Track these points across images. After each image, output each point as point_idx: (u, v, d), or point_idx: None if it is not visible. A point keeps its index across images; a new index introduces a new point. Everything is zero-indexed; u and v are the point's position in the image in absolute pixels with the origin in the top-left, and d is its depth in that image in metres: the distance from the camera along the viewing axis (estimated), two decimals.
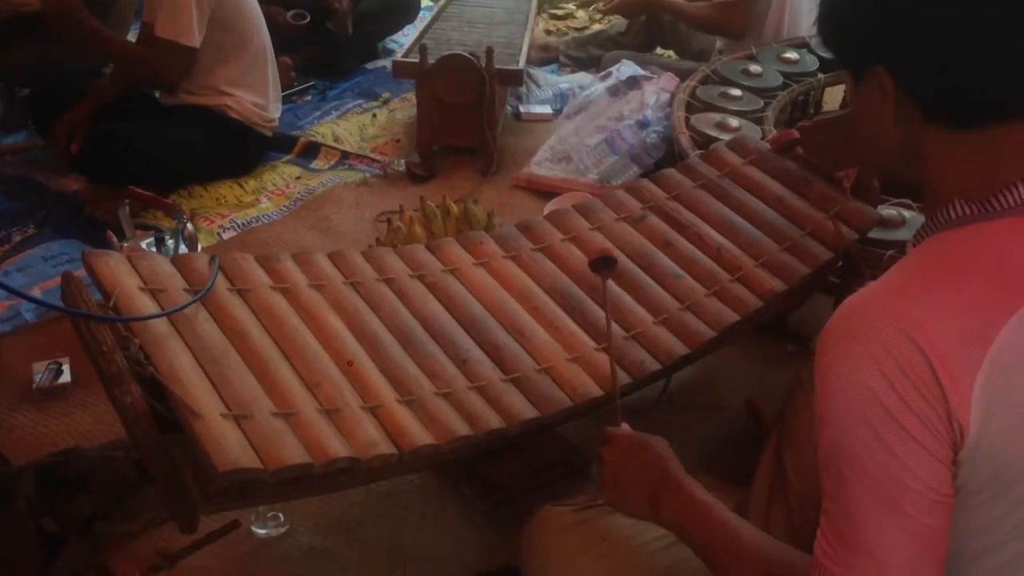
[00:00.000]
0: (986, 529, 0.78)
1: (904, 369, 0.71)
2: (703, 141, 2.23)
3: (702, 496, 0.99)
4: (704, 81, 2.60)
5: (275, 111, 2.74)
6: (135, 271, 1.21)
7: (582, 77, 3.39)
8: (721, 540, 0.95)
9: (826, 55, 2.69)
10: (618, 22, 3.61)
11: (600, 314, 1.45)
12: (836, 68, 2.68)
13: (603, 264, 1.39)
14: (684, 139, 2.28)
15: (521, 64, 2.84)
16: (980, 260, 0.76)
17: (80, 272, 1.21)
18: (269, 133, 2.73)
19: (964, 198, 0.78)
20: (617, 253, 1.56)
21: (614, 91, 2.87)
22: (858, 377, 0.73)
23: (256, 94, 2.65)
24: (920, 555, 0.74)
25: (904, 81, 0.79)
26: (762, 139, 2.14)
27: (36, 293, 2.08)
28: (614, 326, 1.43)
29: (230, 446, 1.01)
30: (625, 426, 1.14)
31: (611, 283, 1.51)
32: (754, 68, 2.60)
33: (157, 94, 2.71)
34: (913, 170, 0.84)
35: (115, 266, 1.20)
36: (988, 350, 0.71)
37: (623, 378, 1.37)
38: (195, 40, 2.44)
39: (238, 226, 2.47)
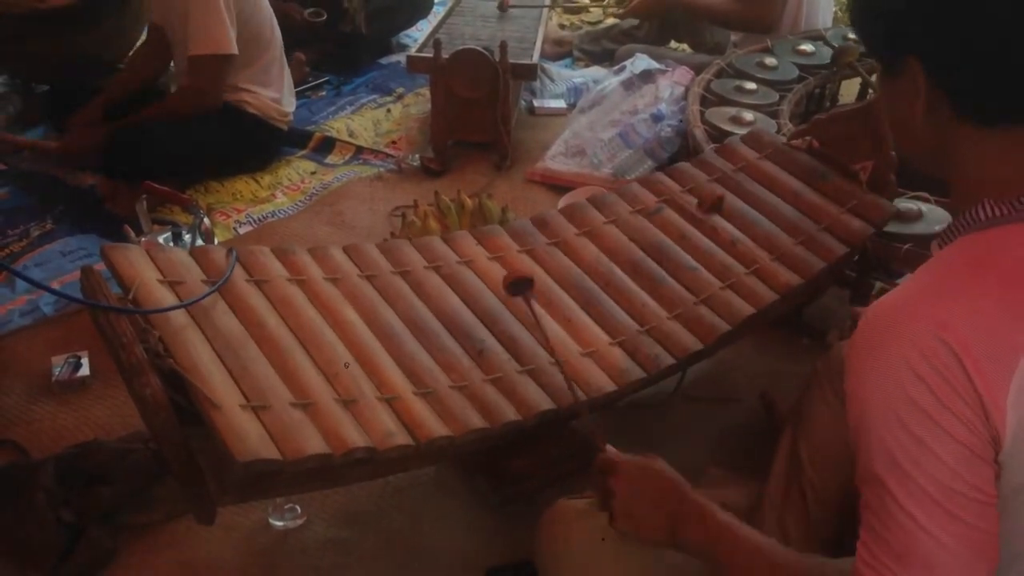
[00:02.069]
0: None
1: (939, 371, 0.70)
2: (718, 135, 2.22)
3: (724, 518, 0.97)
4: (719, 74, 2.59)
5: (290, 105, 2.75)
6: (154, 264, 1.22)
7: (596, 71, 3.38)
8: (750, 561, 0.93)
9: (843, 46, 2.68)
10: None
11: (615, 308, 1.46)
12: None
13: (520, 286, 1.32)
14: (699, 133, 2.27)
15: (535, 58, 2.84)
16: (1012, 264, 0.74)
17: (98, 266, 1.22)
18: (285, 127, 2.74)
19: (994, 198, 0.77)
20: (630, 248, 1.57)
21: (628, 85, 2.86)
22: (894, 382, 0.72)
23: (273, 89, 2.66)
24: (971, 560, 0.72)
25: (937, 75, 0.77)
26: (777, 132, 2.13)
27: (54, 288, 2.09)
28: (625, 328, 1.43)
29: (249, 437, 1.01)
30: (611, 448, 1.11)
31: (625, 278, 1.51)
32: (769, 61, 2.59)
33: (173, 88, 2.72)
34: (942, 166, 0.83)
35: (134, 259, 1.21)
36: (1021, 358, 0.70)
37: (637, 373, 1.37)
38: (233, 46, 2.44)
39: (254, 221, 2.49)
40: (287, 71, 2.75)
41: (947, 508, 0.71)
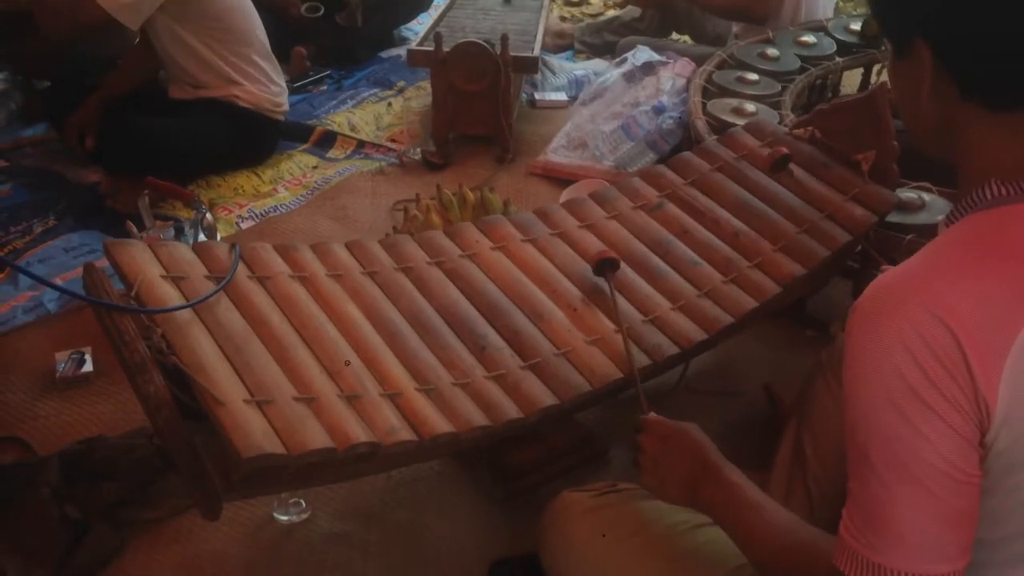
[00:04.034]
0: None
1: (933, 349, 0.71)
2: (719, 126, 2.22)
3: (736, 479, 1.01)
4: (720, 66, 2.59)
5: (282, 95, 2.74)
6: (156, 259, 1.22)
7: (597, 63, 3.37)
8: (751, 521, 0.96)
9: (843, 38, 2.68)
10: (633, 8, 3.60)
11: (619, 300, 1.45)
12: (857, 50, 2.66)
13: (606, 266, 1.44)
14: (700, 124, 2.27)
15: (536, 51, 2.83)
16: (1014, 243, 0.75)
17: (101, 263, 1.22)
18: (281, 117, 2.74)
19: (1001, 179, 0.77)
20: (632, 243, 1.57)
21: (630, 77, 2.86)
22: (886, 357, 0.73)
23: (262, 82, 2.65)
24: (943, 535, 0.74)
25: (943, 58, 0.78)
26: (779, 123, 2.12)
27: (59, 284, 2.10)
28: (628, 317, 1.43)
29: (253, 432, 1.01)
30: (653, 414, 1.15)
31: (629, 271, 1.51)
32: (771, 52, 2.58)
33: (170, 86, 2.72)
34: (949, 148, 0.83)
35: (137, 255, 1.21)
36: (1019, 333, 0.71)
37: (642, 361, 1.37)
38: (126, 18, 2.34)
39: (256, 216, 2.49)
40: (273, 60, 2.73)
41: (926, 485, 0.72)
